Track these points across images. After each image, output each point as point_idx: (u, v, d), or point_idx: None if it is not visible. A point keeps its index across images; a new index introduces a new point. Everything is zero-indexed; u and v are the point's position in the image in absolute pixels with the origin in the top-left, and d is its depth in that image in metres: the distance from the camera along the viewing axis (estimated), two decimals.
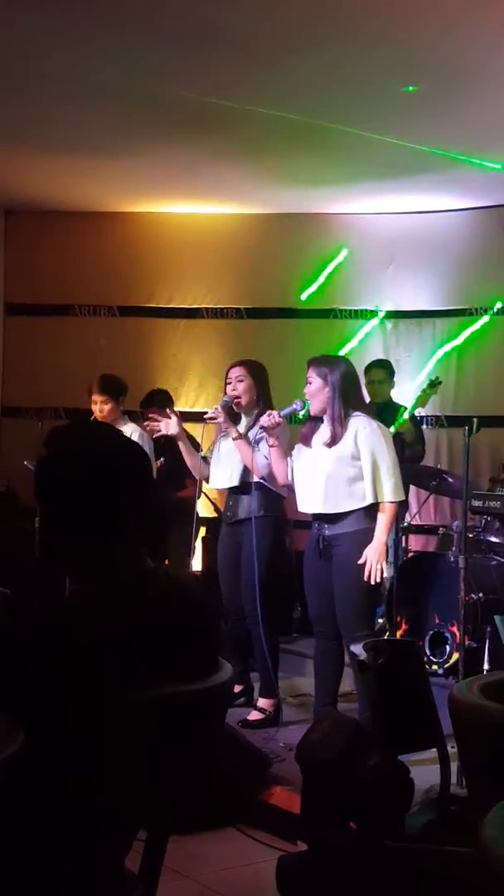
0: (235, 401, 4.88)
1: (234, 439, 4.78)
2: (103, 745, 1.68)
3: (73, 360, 7.56)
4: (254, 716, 4.79)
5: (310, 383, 4.50)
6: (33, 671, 1.69)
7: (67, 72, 5.16)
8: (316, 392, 4.47)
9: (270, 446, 4.60)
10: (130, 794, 1.76)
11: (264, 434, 4.65)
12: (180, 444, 4.92)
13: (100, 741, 1.67)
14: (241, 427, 4.89)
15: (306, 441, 4.56)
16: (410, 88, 5.15)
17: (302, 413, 4.63)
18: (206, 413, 4.95)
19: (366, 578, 4.33)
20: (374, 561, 4.33)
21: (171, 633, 1.80)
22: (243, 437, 4.79)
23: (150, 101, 5.54)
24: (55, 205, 7.62)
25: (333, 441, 4.42)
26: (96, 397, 5.66)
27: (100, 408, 5.65)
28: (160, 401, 6.45)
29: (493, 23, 4.49)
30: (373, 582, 4.34)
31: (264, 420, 4.56)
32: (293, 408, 4.61)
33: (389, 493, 4.38)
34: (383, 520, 4.39)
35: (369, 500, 4.39)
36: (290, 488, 4.65)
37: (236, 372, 4.92)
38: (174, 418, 4.92)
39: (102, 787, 1.70)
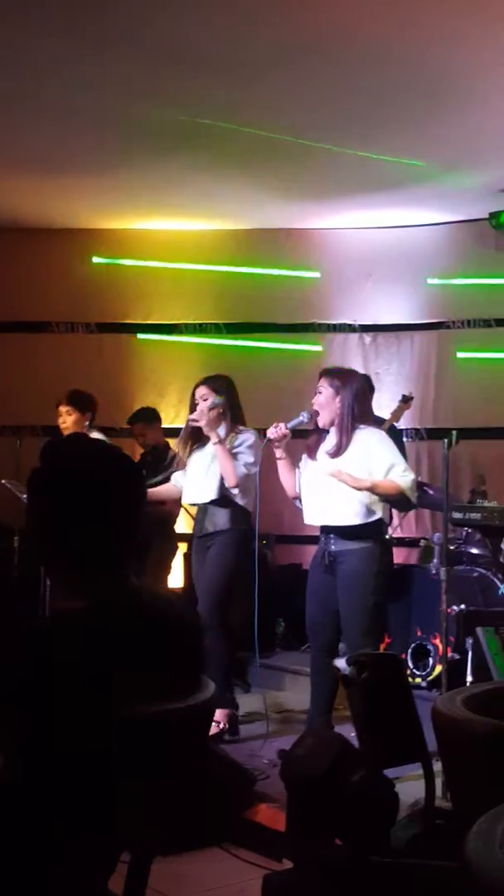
0: (193, 424, 4.90)
1: (213, 444, 4.78)
2: (89, 765, 1.66)
3: (50, 377, 7.51)
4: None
5: (320, 393, 4.49)
6: (20, 690, 1.67)
7: (42, 89, 5.16)
8: (326, 403, 4.46)
9: (278, 458, 4.58)
10: (115, 815, 1.74)
11: (242, 451, 4.70)
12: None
13: (86, 760, 1.65)
14: (208, 447, 4.89)
15: (312, 453, 4.54)
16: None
17: (306, 422, 4.62)
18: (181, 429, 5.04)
19: (329, 471, 4.31)
20: (336, 471, 4.32)
21: (157, 652, 1.79)
22: (222, 441, 4.78)
23: (127, 118, 5.55)
24: (31, 222, 7.60)
25: (337, 452, 4.41)
26: (61, 408, 5.66)
27: (63, 419, 5.63)
28: (151, 417, 6.44)
29: (472, 40, 4.53)
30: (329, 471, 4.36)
31: (270, 432, 4.56)
32: (300, 419, 4.60)
33: (399, 478, 4.37)
34: (380, 484, 4.34)
35: (378, 515, 4.40)
36: (298, 499, 4.65)
37: (201, 391, 4.95)
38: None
39: (87, 807, 1.68)
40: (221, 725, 4.78)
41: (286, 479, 4.62)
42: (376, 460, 4.39)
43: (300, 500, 4.63)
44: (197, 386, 5.01)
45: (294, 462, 4.64)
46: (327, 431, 4.50)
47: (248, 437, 4.92)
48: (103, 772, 1.66)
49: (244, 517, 4.89)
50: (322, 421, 4.49)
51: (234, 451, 4.84)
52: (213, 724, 4.75)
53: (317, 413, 4.50)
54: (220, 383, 4.99)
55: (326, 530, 4.50)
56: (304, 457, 4.60)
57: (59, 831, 1.67)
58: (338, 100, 5.25)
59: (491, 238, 7.05)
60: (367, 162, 6.05)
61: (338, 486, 4.38)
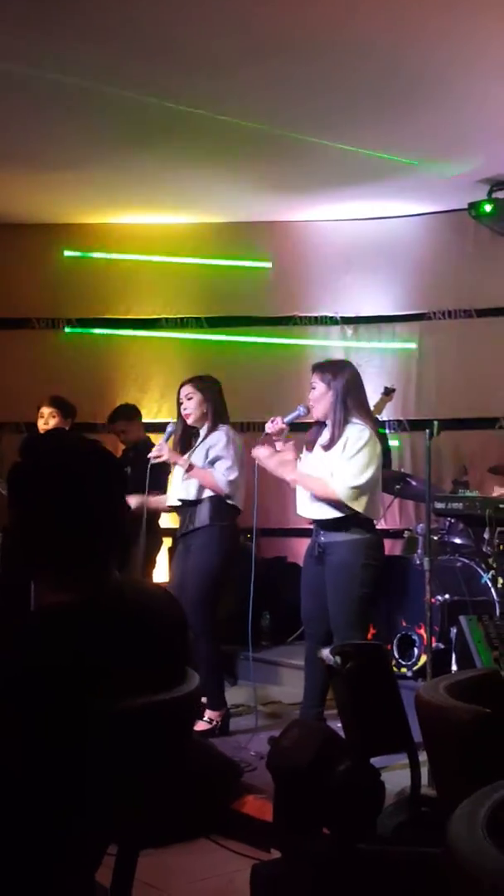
0: (185, 415, 4.91)
1: (186, 472, 4.83)
2: (75, 758, 1.66)
3: (31, 374, 7.51)
4: (200, 726, 4.74)
5: (313, 388, 4.50)
6: (7, 685, 1.67)
7: (17, 82, 5.14)
8: (319, 397, 4.47)
9: (278, 451, 4.58)
10: (102, 807, 1.75)
11: (220, 455, 4.72)
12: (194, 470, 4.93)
13: (72, 754, 1.66)
14: (201, 437, 4.91)
15: (311, 447, 4.56)
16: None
17: (303, 415, 4.63)
18: (169, 421, 5.04)
19: (253, 452, 4.45)
20: (262, 453, 4.46)
21: (142, 645, 1.79)
22: (192, 466, 4.83)
23: (104, 111, 5.53)
24: (7, 217, 7.57)
25: (330, 444, 4.42)
26: (44, 410, 5.70)
27: (46, 420, 5.66)
28: (126, 415, 6.44)
29: (448, 31, 4.54)
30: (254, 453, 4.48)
31: (268, 427, 4.57)
32: (297, 413, 4.61)
33: (341, 486, 4.34)
34: (307, 479, 4.42)
35: (356, 509, 4.37)
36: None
37: (185, 390, 4.98)
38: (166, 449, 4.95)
39: (73, 800, 1.68)
40: (214, 724, 4.79)
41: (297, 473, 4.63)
42: (335, 455, 4.40)
43: None
44: (182, 385, 5.03)
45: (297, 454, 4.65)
46: (325, 424, 4.51)
47: (218, 438, 4.90)
48: (91, 764, 1.67)
49: (228, 513, 4.89)
50: (317, 413, 4.51)
51: (210, 459, 4.84)
52: (206, 722, 4.77)
53: (312, 407, 4.51)
54: (204, 383, 4.99)
55: (316, 523, 4.52)
56: (304, 450, 4.62)
57: (46, 825, 1.67)
58: (317, 93, 5.25)
59: (471, 228, 7.07)
60: (347, 154, 6.06)
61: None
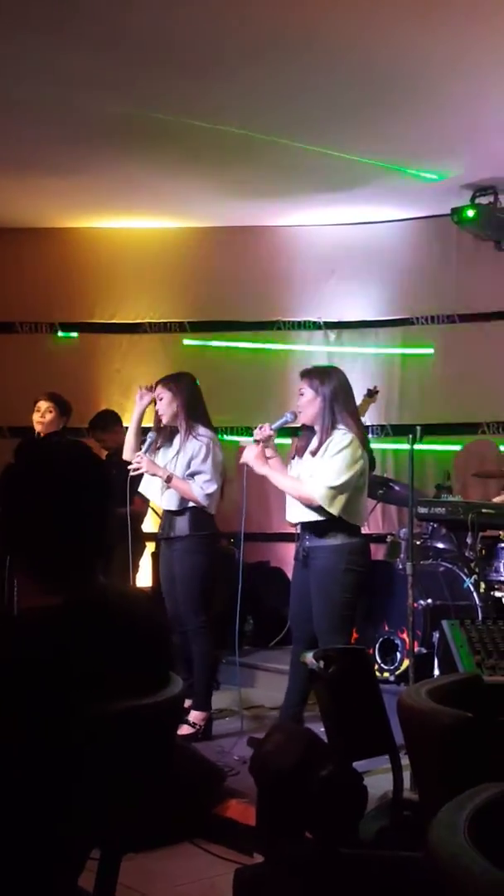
0: (160, 416, 4.93)
1: (166, 483, 4.83)
2: (56, 762, 1.67)
3: (15, 378, 7.50)
4: (184, 730, 4.71)
5: (301, 394, 4.51)
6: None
7: (3, 88, 5.14)
8: (307, 403, 4.48)
9: (268, 458, 4.59)
10: (84, 811, 1.75)
11: (199, 470, 4.72)
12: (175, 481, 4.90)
13: (55, 758, 1.66)
14: (174, 445, 4.91)
15: (301, 453, 4.57)
16: None
17: (290, 422, 4.64)
18: (149, 428, 5.04)
19: (241, 459, 4.47)
20: (246, 458, 4.48)
21: (126, 649, 1.80)
22: (171, 477, 4.82)
23: (88, 116, 5.54)
24: None
25: (318, 451, 4.44)
26: (42, 404, 5.71)
27: (42, 414, 5.68)
28: (108, 421, 6.44)
29: (430, 35, 4.56)
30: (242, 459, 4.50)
31: (256, 433, 4.57)
32: (284, 419, 4.61)
33: (318, 488, 4.33)
34: (282, 479, 4.47)
35: (333, 513, 4.36)
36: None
37: (157, 391, 4.98)
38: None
39: (54, 804, 1.69)
40: (198, 727, 4.79)
41: (283, 482, 4.63)
42: (319, 460, 4.42)
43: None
44: (155, 385, 5.03)
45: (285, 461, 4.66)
46: (314, 430, 4.52)
47: (198, 450, 4.85)
48: (72, 768, 1.67)
49: (206, 522, 4.90)
50: (304, 418, 4.51)
51: (190, 471, 4.83)
52: (190, 726, 4.76)
53: (300, 413, 4.53)
54: (174, 381, 4.98)
55: (302, 527, 4.54)
56: (295, 456, 4.62)
57: (28, 830, 1.67)
58: (297, 97, 5.27)
59: (453, 234, 7.10)
60: (329, 159, 6.08)
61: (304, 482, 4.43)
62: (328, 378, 4.52)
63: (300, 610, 4.57)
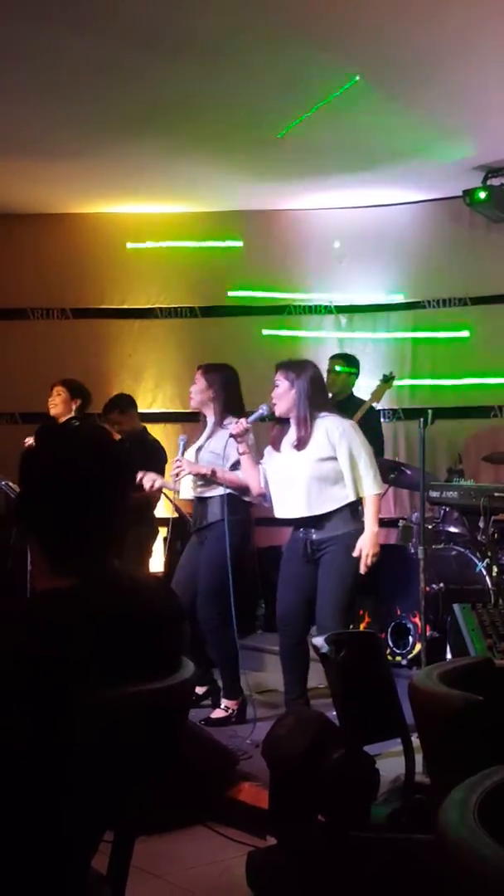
0: (192, 401, 4.90)
1: (212, 479, 4.76)
2: (71, 746, 1.67)
3: (28, 365, 7.51)
4: (217, 714, 4.79)
5: (277, 386, 4.53)
6: (6, 669, 1.68)
7: (13, 73, 5.13)
8: (282, 395, 4.51)
9: (241, 454, 4.59)
10: (98, 794, 1.76)
11: (229, 453, 4.69)
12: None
13: (67, 741, 1.67)
14: (205, 433, 4.90)
15: (276, 445, 4.57)
16: (353, 80, 5.16)
17: (266, 415, 4.64)
18: (164, 411, 5.03)
19: (363, 570, 4.41)
20: (369, 552, 4.40)
21: (138, 632, 1.80)
22: (215, 471, 4.74)
23: (98, 101, 5.53)
24: (3, 207, 7.56)
25: (301, 444, 4.45)
26: (54, 389, 6.04)
27: (53, 399, 6.01)
28: (126, 404, 6.45)
29: (444, 17, 4.53)
30: (363, 570, 4.42)
31: (233, 428, 4.57)
32: (259, 412, 4.62)
33: (371, 486, 4.45)
34: (371, 511, 4.45)
35: (351, 498, 4.42)
36: (265, 496, 4.64)
37: (196, 375, 4.96)
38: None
39: (69, 787, 1.70)
40: (230, 711, 4.81)
41: (250, 476, 4.63)
42: (339, 453, 4.42)
43: (266, 497, 4.64)
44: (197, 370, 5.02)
45: (257, 457, 4.65)
46: (289, 422, 4.53)
47: (223, 438, 4.77)
48: (84, 751, 1.68)
49: (240, 506, 4.85)
50: (279, 410, 4.53)
51: (231, 463, 4.77)
52: (223, 710, 4.79)
53: (274, 405, 4.53)
54: (211, 371, 4.95)
55: (303, 522, 4.52)
56: (269, 449, 4.62)
57: (40, 812, 1.68)
58: (309, 78, 5.23)
59: (465, 216, 7.07)
60: (340, 142, 6.05)
61: (304, 477, 4.42)
62: (303, 370, 4.55)
63: (296, 605, 4.54)
